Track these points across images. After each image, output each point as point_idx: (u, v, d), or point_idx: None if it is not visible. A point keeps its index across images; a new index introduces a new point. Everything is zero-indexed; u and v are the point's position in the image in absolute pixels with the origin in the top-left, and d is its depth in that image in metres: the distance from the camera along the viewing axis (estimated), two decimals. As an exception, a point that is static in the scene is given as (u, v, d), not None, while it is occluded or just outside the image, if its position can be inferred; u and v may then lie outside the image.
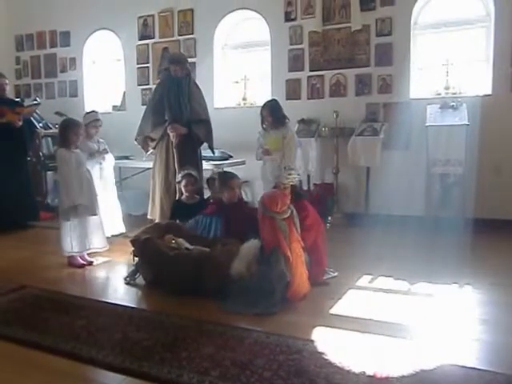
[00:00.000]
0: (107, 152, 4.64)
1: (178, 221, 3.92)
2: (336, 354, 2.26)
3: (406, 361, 2.20)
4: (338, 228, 5.17)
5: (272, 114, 4.59)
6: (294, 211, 3.11)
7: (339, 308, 2.90)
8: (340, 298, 3.04)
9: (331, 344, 2.38)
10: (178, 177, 4.17)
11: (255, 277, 2.92)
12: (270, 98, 5.05)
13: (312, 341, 2.42)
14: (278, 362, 2.19)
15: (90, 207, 3.95)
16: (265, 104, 4.72)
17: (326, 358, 2.23)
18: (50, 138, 6.60)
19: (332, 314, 2.81)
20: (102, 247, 4.11)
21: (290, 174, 3.29)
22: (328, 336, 2.49)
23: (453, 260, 3.71)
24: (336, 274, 3.47)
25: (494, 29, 4.94)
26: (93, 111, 4.84)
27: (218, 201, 3.83)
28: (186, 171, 4.12)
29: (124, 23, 6.71)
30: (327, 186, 5.54)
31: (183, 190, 4.13)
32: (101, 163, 4.59)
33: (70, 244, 3.89)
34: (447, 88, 5.24)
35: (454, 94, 5.19)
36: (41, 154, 6.39)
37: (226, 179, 3.79)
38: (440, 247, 4.13)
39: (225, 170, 4.75)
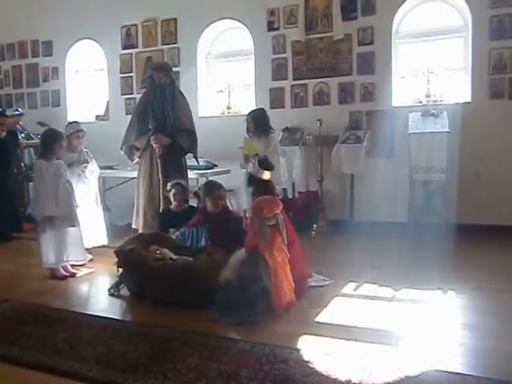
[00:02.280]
0: (88, 162, 4.53)
1: (170, 229, 3.92)
2: (322, 362, 2.27)
3: (391, 367, 2.21)
4: (323, 235, 5.20)
5: (254, 120, 4.64)
6: (281, 221, 3.09)
7: (325, 316, 2.90)
8: (325, 306, 3.04)
9: (317, 352, 2.38)
10: (168, 186, 4.15)
11: (239, 285, 2.90)
12: (258, 107, 5.09)
13: (298, 349, 2.42)
14: (263, 372, 2.18)
15: (68, 219, 3.89)
16: (251, 111, 4.78)
17: (312, 366, 2.23)
18: (31, 149, 6.50)
19: (318, 322, 2.81)
20: (80, 260, 4.04)
21: (263, 170, 3.39)
22: (314, 344, 2.49)
23: (436, 266, 3.74)
24: (328, 282, 3.47)
25: (472, 38, 5.06)
26: (75, 122, 4.76)
27: (202, 210, 3.82)
28: (175, 181, 4.13)
29: (107, 33, 6.68)
30: (312, 193, 5.56)
31: (172, 198, 4.13)
32: (84, 171, 4.50)
33: (46, 256, 3.83)
34: (428, 96, 5.33)
35: (435, 101, 5.27)
36: (22, 164, 6.28)
37: (211, 190, 3.79)
38: (423, 253, 4.17)
39: (211, 179, 4.73)
